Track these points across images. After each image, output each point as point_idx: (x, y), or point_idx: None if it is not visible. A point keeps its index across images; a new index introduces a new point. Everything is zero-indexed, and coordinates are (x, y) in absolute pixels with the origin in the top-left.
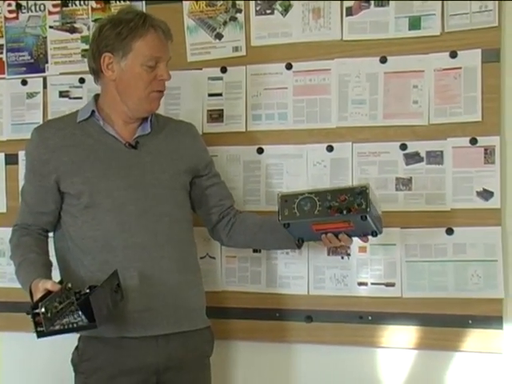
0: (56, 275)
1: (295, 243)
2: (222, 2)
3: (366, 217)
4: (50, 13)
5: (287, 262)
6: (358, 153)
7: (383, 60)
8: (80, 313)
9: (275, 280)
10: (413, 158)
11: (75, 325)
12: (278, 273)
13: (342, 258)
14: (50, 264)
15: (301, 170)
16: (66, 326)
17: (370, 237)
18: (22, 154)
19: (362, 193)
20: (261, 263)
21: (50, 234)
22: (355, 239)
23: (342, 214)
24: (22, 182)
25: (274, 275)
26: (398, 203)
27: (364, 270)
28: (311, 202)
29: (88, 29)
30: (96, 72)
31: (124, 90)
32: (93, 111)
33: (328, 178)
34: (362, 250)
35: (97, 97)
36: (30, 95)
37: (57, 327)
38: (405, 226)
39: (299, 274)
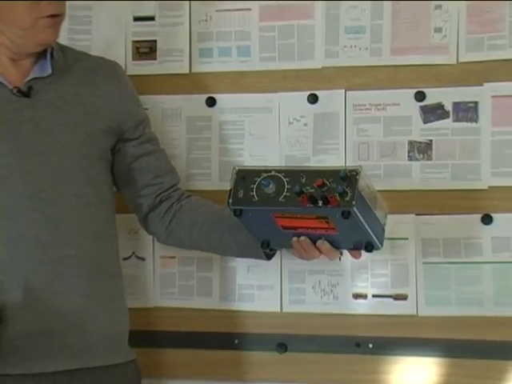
0: None
1: (262, 250)
2: None
3: (348, 213)
4: None
5: (251, 265)
6: (355, 105)
7: None
8: None
9: (233, 291)
10: (434, 112)
11: None
12: (238, 280)
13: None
14: None
15: (270, 131)
16: None
17: (363, 251)
18: None
19: (347, 178)
20: (212, 266)
21: None
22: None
23: (316, 206)
24: None
25: (231, 284)
26: (412, 179)
27: (362, 275)
28: (278, 183)
29: None
30: None
31: (0, 18)
32: None
33: (310, 143)
34: None
35: None
36: None
37: None
38: (421, 211)
39: (268, 282)
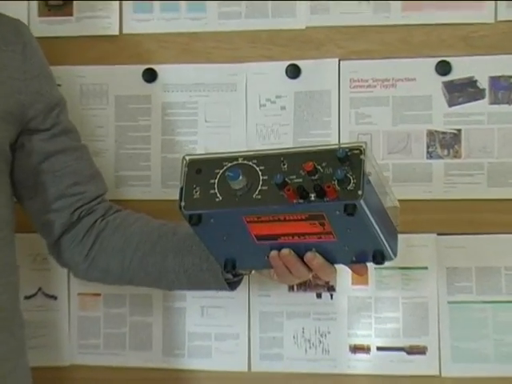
0: None
1: (223, 276)
2: None
3: (354, 207)
4: None
5: (206, 306)
6: (352, 81)
7: None
8: None
9: (182, 342)
10: (463, 90)
11: None
12: (188, 327)
13: (319, 295)
14: None
15: (234, 117)
16: None
17: (371, 263)
18: None
19: (349, 158)
20: (152, 307)
21: None
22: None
23: (308, 201)
24: None
25: (178, 332)
26: (433, 185)
27: (363, 319)
28: (249, 174)
29: None
30: None
31: None
32: None
33: (290, 133)
34: (360, 279)
35: None
36: None
37: None
38: (445, 230)
39: (231, 328)
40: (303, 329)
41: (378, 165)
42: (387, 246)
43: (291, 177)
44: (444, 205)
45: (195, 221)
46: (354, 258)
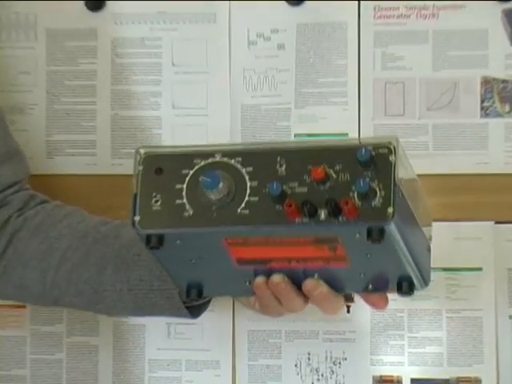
0: None
1: (183, 302)
2: None
3: (382, 232)
4: None
5: (174, 322)
6: (378, 9)
7: None
8: None
9: (141, 372)
10: None
11: None
12: (148, 353)
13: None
14: None
15: (213, 60)
16: None
17: (396, 294)
18: None
19: (374, 161)
20: (98, 324)
21: None
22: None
23: (317, 220)
24: None
25: (134, 358)
26: (490, 153)
27: (393, 341)
28: (231, 178)
29: None
30: None
31: None
32: None
33: (290, 81)
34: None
35: None
36: None
37: None
38: (505, 217)
39: (207, 353)
40: (309, 354)
41: (409, 163)
42: (417, 272)
43: (292, 184)
44: (504, 182)
45: (155, 243)
46: (370, 286)
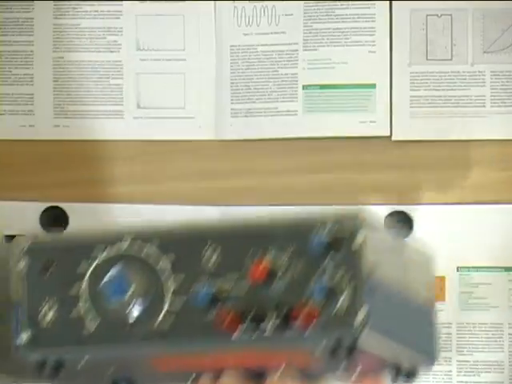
0: None
1: None
2: None
3: (352, 346)
4: None
5: None
6: None
7: None
8: None
9: None
10: None
11: None
12: None
13: None
14: None
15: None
16: None
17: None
18: None
19: (332, 247)
20: None
21: None
22: None
23: (261, 332)
24: None
25: None
26: None
27: (437, 369)
28: (144, 274)
29: None
30: None
31: None
32: None
33: (298, 12)
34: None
35: None
36: None
37: None
38: None
39: None
40: None
41: (384, 231)
42: (415, 353)
43: (226, 286)
44: None
45: (50, 371)
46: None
